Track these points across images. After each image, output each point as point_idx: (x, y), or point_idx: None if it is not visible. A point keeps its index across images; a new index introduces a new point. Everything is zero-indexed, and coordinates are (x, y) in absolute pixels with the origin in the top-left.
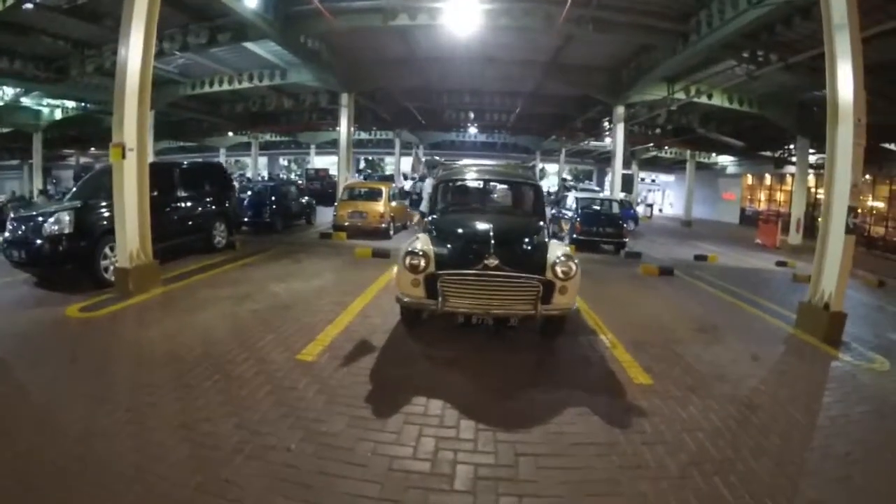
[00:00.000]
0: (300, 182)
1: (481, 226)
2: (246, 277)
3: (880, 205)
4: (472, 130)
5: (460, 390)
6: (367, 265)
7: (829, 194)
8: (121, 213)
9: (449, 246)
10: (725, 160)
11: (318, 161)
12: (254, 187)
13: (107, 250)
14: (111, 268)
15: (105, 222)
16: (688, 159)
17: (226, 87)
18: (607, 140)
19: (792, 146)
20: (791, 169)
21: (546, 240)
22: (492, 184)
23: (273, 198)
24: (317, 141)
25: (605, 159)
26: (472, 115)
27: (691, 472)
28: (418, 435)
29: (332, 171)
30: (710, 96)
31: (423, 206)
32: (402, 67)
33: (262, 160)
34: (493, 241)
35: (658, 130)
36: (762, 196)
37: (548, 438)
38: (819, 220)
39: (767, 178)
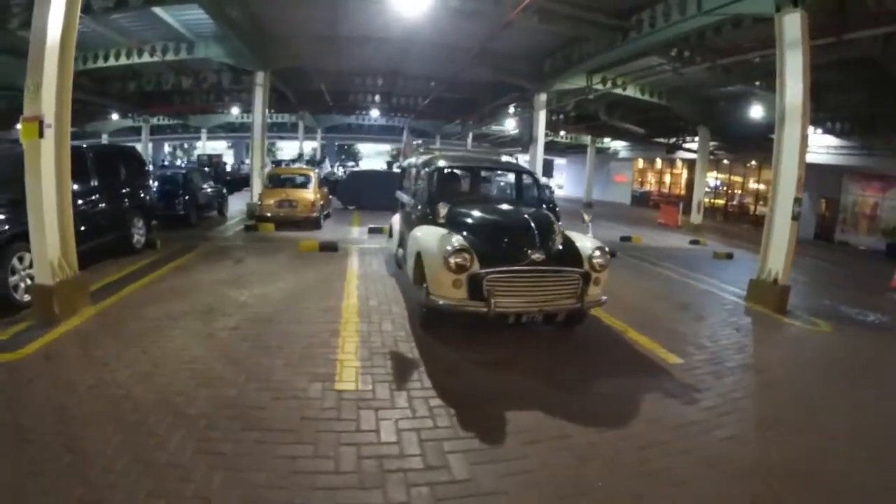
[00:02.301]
0: (208, 169)
1: (516, 218)
2: (191, 285)
3: (763, 187)
4: (375, 114)
5: (536, 392)
6: (317, 260)
7: (776, 185)
8: (37, 212)
9: (488, 241)
10: (618, 145)
11: (209, 146)
12: (163, 175)
13: (15, 262)
14: (21, 285)
15: (9, 225)
16: (589, 144)
17: (123, 61)
18: (506, 125)
19: (688, 136)
20: (682, 154)
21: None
22: (496, 173)
23: (186, 186)
24: (209, 125)
25: (500, 143)
26: (378, 99)
27: (766, 422)
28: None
29: (226, 158)
30: (624, 87)
31: (407, 197)
32: (327, 45)
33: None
34: (537, 235)
35: (561, 117)
36: (652, 179)
37: (650, 427)
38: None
39: (658, 163)
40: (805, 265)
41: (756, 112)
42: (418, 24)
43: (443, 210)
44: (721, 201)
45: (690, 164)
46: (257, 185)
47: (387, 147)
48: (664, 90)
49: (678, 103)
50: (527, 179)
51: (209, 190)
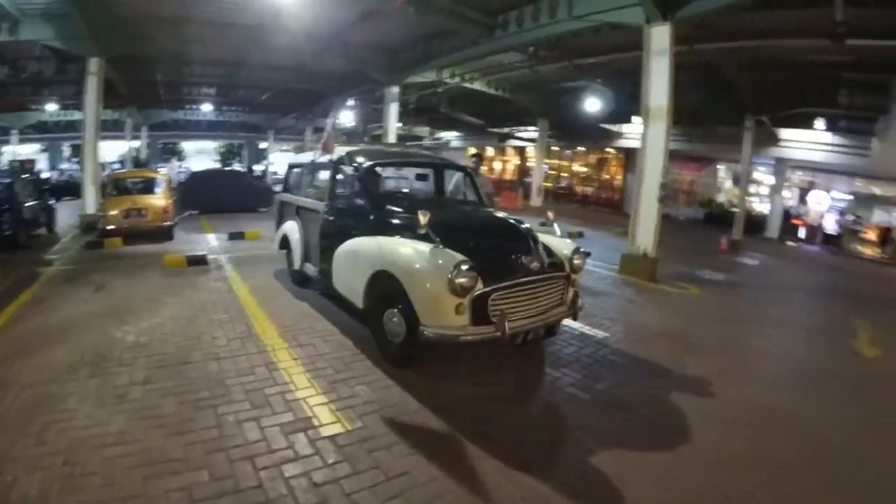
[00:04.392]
0: (28, 176)
1: (503, 223)
2: (59, 325)
3: (586, 170)
4: (207, 108)
5: (570, 418)
6: (192, 277)
7: (642, 174)
8: None
9: (482, 253)
10: (451, 135)
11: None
12: None
13: None
14: None
15: None
16: (426, 136)
17: None
18: (342, 118)
19: (522, 126)
20: (513, 142)
21: None
22: (444, 172)
23: (10, 200)
24: (22, 124)
25: (337, 136)
26: (214, 91)
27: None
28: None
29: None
30: (472, 82)
31: (317, 201)
32: (175, 28)
33: None
34: (530, 240)
35: (400, 109)
36: (484, 167)
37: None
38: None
39: (490, 151)
40: None
41: (592, 105)
42: (278, 7)
43: (423, 218)
44: (549, 184)
45: (521, 151)
46: (91, 193)
47: (213, 144)
48: (508, 84)
49: (522, 96)
50: (467, 178)
51: (35, 203)
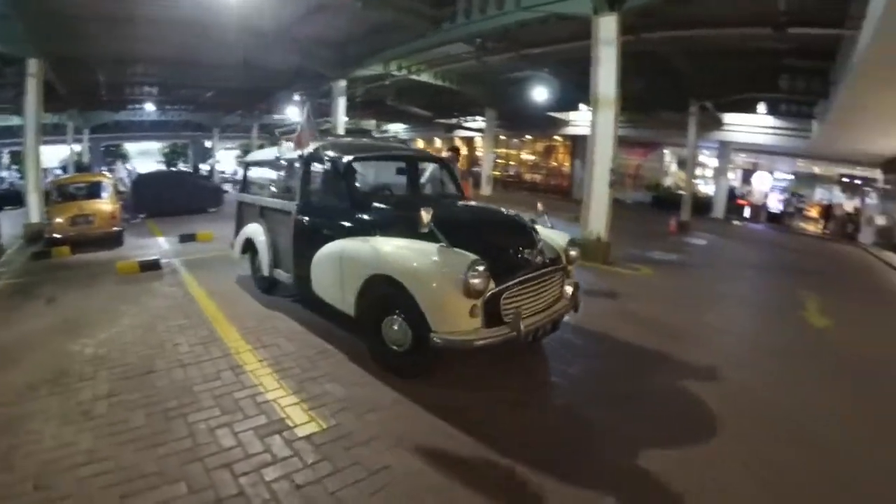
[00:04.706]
0: None
1: (503, 216)
2: (12, 343)
3: (534, 158)
4: (150, 108)
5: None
6: (147, 283)
7: (592, 161)
8: None
9: (488, 249)
10: (398, 128)
11: None
12: None
13: None
14: None
15: None
16: (373, 129)
17: None
18: (288, 113)
19: (469, 116)
20: (461, 132)
21: None
22: (421, 165)
23: None
24: None
25: (283, 133)
26: (157, 91)
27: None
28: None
29: None
30: (419, 74)
31: (287, 202)
32: (119, 28)
33: None
34: (532, 233)
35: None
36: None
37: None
38: None
39: (437, 142)
40: None
41: (539, 94)
42: (223, 4)
43: (427, 215)
44: (498, 173)
45: (469, 141)
46: (35, 201)
47: (157, 145)
48: (455, 76)
49: (469, 87)
50: (433, 168)
51: None
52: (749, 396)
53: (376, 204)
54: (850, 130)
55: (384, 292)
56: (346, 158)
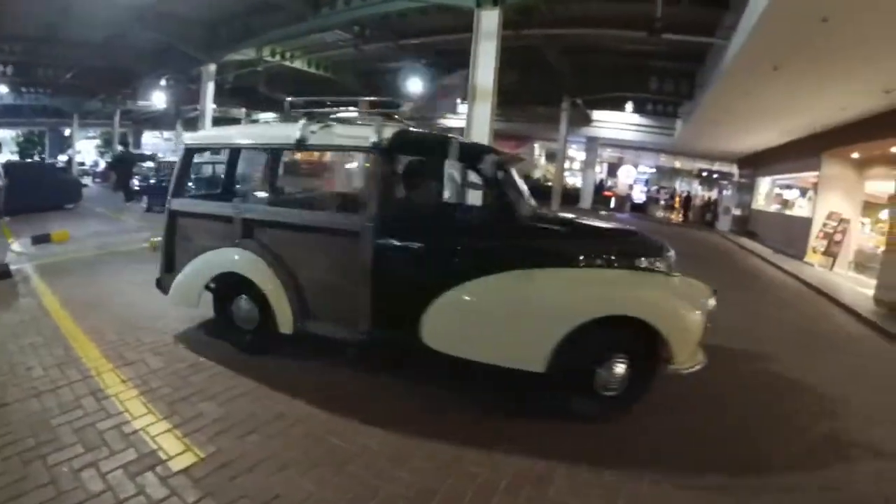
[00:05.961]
0: None
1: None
2: None
3: None
4: (3, 90)
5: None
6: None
7: None
8: None
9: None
10: (269, 116)
11: None
12: None
13: None
14: None
15: None
16: (243, 118)
17: None
18: (154, 99)
19: (348, 107)
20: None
21: None
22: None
23: None
24: None
25: (146, 120)
26: (10, 71)
27: None
28: None
29: None
30: (293, 60)
31: (360, 211)
32: None
33: None
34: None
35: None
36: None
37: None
38: None
39: None
40: None
41: (414, 85)
42: None
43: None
44: None
45: None
46: None
47: (11, 133)
48: (329, 63)
49: (342, 76)
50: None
51: None
52: None
53: (542, 225)
54: (712, 130)
55: (605, 335)
56: (494, 157)
